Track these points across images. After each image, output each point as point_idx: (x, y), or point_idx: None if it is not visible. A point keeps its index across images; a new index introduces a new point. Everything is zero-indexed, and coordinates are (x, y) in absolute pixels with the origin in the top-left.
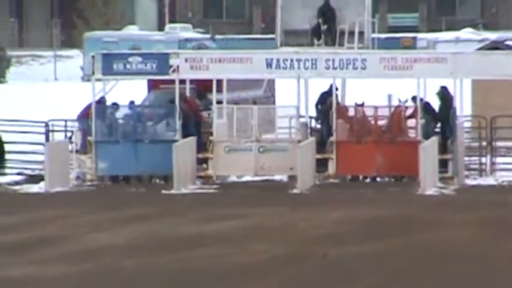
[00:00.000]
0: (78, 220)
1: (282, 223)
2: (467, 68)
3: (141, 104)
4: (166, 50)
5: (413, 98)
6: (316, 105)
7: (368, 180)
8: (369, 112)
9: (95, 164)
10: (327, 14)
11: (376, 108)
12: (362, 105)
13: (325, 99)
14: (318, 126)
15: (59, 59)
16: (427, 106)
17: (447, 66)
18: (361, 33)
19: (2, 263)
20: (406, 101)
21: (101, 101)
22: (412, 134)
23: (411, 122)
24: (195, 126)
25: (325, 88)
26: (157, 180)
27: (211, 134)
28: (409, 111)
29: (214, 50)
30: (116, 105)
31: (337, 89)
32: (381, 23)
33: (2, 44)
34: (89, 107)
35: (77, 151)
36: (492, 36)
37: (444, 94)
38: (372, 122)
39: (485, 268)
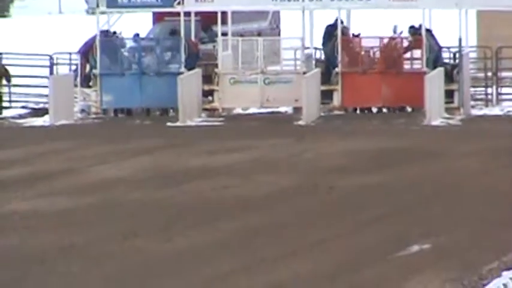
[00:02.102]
0: (83, 153)
1: (287, 155)
2: None
3: (146, 36)
4: None
5: (411, 28)
6: (323, 39)
7: (374, 110)
8: (373, 43)
9: (100, 97)
10: None
11: (381, 38)
12: (358, 36)
13: (330, 33)
14: (323, 57)
15: None
16: (428, 34)
17: None
18: None
19: (8, 197)
20: (401, 32)
21: (107, 34)
22: (417, 64)
23: (414, 53)
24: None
25: (330, 19)
26: (158, 113)
27: (216, 66)
28: (405, 43)
29: None
30: (137, 37)
31: (342, 22)
32: None
33: None
34: (88, 41)
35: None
36: None
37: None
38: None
39: (493, 196)
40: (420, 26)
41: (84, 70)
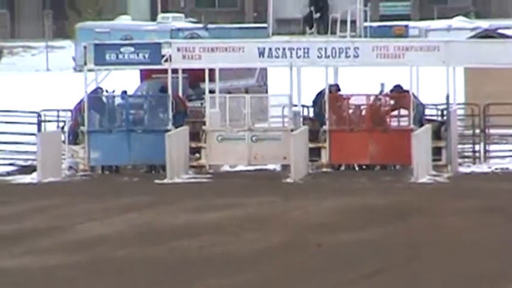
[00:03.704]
0: (71, 210)
1: (275, 212)
2: (459, 56)
3: (133, 93)
4: (159, 40)
5: (396, 87)
6: (313, 103)
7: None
8: (360, 101)
9: (88, 154)
10: (319, 2)
11: (368, 96)
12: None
13: (321, 101)
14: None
15: (50, 49)
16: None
17: (439, 55)
18: (353, 21)
19: None
20: (381, 91)
21: (97, 91)
22: (404, 122)
23: (402, 111)
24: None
25: (318, 77)
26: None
27: (204, 123)
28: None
29: (207, 40)
30: (124, 94)
31: (337, 86)
32: (373, 11)
33: None
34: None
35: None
36: (484, 24)
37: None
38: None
39: (479, 254)
40: (398, 85)
41: (76, 127)
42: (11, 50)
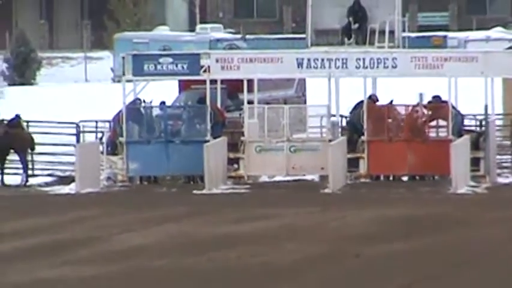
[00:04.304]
0: (109, 221)
1: (313, 223)
2: (497, 67)
3: (172, 104)
4: (197, 51)
5: (434, 98)
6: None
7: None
8: (398, 111)
9: (126, 165)
10: (357, 13)
11: (407, 106)
12: (391, 103)
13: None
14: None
15: (89, 60)
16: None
17: (478, 65)
18: (391, 32)
19: (35, 265)
20: (418, 104)
21: (135, 102)
22: (443, 133)
23: (441, 122)
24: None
25: (356, 87)
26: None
27: (242, 134)
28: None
29: (245, 50)
30: (163, 105)
31: (376, 97)
32: (411, 21)
33: (32, 46)
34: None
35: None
36: None
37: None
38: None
39: None
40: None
41: (114, 137)
42: (49, 61)
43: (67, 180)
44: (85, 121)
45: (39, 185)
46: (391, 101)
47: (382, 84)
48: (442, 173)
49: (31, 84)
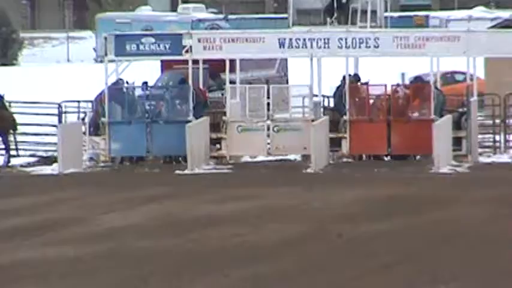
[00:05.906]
0: (92, 201)
1: (295, 203)
2: (480, 47)
3: (154, 84)
4: (179, 31)
5: (416, 78)
6: (334, 95)
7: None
8: (379, 91)
9: (108, 145)
10: None
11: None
12: (366, 83)
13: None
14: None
15: (71, 40)
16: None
17: (460, 45)
18: (373, 12)
19: (17, 246)
20: (398, 84)
21: (117, 82)
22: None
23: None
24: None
25: (338, 67)
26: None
27: (224, 114)
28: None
29: (227, 30)
30: (145, 85)
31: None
32: (393, 1)
33: (14, 26)
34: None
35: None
36: (505, 14)
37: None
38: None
39: (502, 245)
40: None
41: (96, 118)
42: (31, 41)
43: (49, 160)
44: (67, 101)
45: (22, 166)
46: (367, 82)
47: (364, 64)
48: (424, 152)
49: (13, 64)
